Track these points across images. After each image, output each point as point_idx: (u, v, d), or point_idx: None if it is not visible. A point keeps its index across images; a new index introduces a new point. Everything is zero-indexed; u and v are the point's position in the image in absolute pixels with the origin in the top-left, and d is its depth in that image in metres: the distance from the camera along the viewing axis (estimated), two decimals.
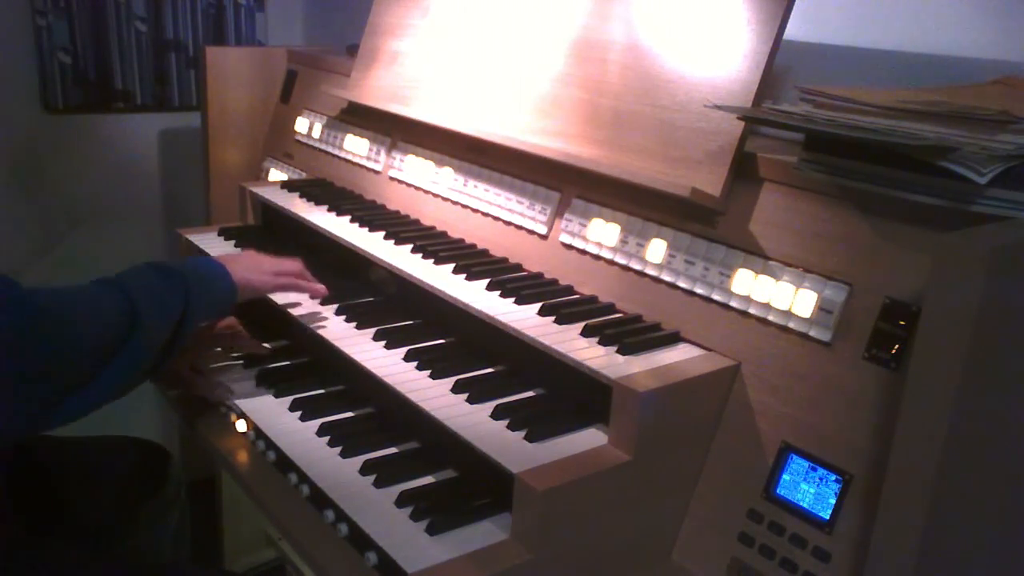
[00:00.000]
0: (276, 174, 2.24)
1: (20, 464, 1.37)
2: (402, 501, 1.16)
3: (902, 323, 1.05)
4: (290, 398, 1.42)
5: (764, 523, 1.14)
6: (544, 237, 1.52)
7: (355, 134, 2.00)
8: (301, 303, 1.54)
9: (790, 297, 1.16)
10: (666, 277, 1.31)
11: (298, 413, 1.38)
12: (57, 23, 2.36)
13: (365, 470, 1.23)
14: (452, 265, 1.49)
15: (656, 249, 1.32)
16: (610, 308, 1.36)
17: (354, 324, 1.46)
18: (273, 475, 1.29)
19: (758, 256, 1.21)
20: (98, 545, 1.48)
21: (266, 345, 1.60)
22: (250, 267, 1.43)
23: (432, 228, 1.71)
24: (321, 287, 1.51)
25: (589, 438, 1.17)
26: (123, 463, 1.62)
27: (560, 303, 1.35)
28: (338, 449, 1.28)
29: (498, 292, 1.39)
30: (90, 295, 1.15)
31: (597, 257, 1.42)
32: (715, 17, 1.30)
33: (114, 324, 1.13)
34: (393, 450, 1.30)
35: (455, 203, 1.70)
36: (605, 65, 1.45)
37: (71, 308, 1.10)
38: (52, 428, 1.12)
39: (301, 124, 2.20)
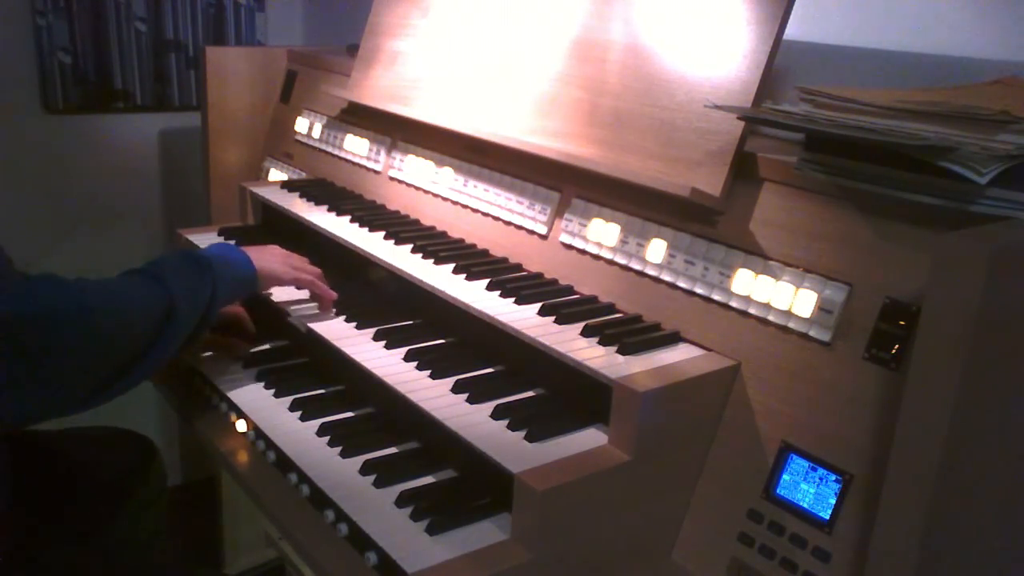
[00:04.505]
0: (276, 174, 2.24)
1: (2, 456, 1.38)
2: (402, 501, 1.16)
3: (902, 323, 1.05)
4: (290, 398, 1.42)
5: (764, 523, 1.14)
6: (544, 237, 1.52)
7: (355, 134, 2.00)
8: (302, 302, 1.54)
9: (790, 297, 1.16)
10: (666, 277, 1.31)
11: (298, 413, 1.38)
12: (57, 23, 2.36)
13: (365, 470, 1.23)
14: (452, 265, 1.49)
15: (656, 249, 1.32)
16: (610, 308, 1.36)
17: (354, 324, 1.46)
18: (273, 475, 1.29)
19: (758, 256, 1.21)
20: (80, 536, 1.49)
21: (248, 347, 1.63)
22: (274, 260, 1.48)
23: (432, 228, 1.71)
24: (330, 295, 1.51)
25: (589, 438, 1.17)
26: (110, 454, 1.64)
27: (560, 303, 1.35)
28: (338, 449, 1.28)
29: (498, 292, 1.39)
30: (131, 287, 1.24)
31: (597, 257, 1.42)
32: (715, 17, 1.30)
33: (154, 314, 1.22)
34: (393, 450, 1.30)
35: (455, 203, 1.70)
36: (605, 65, 1.45)
37: (117, 301, 1.19)
38: (99, 405, 1.20)
39: (301, 124, 2.19)
